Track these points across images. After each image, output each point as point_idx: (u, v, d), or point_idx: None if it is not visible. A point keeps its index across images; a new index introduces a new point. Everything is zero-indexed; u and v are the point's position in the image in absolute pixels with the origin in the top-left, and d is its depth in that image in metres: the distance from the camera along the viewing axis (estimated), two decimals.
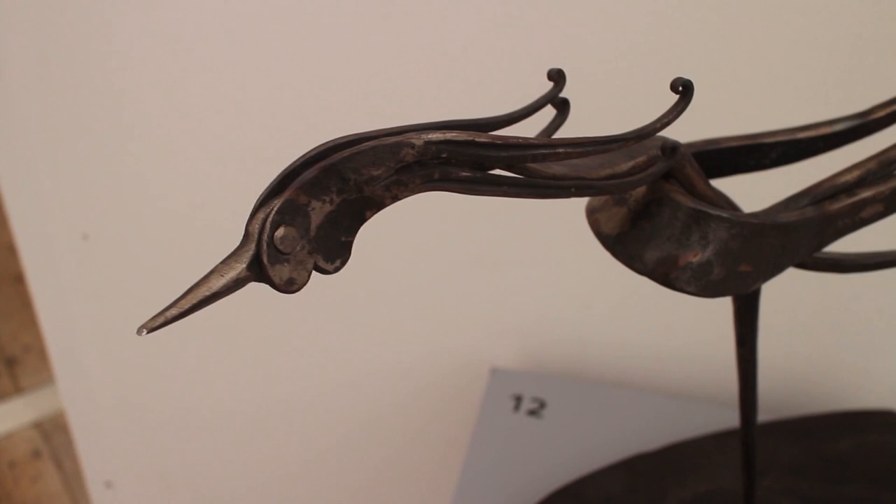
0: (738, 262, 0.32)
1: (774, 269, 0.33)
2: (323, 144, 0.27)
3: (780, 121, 0.37)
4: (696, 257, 0.32)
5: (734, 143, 0.36)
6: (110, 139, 0.66)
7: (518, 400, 0.64)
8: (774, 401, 0.63)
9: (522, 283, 0.66)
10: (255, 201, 0.26)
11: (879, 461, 0.57)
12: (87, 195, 0.69)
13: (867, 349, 0.62)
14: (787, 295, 0.58)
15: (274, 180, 0.26)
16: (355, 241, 0.27)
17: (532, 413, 0.63)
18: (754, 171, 0.37)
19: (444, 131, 0.27)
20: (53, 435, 1.25)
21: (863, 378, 0.62)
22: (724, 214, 0.32)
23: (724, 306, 0.62)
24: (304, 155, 0.27)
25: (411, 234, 0.64)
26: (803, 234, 0.33)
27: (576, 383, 0.65)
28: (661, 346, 0.65)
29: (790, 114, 0.39)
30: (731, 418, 0.60)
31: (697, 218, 0.31)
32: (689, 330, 0.65)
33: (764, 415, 0.60)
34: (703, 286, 0.32)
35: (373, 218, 0.27)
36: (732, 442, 0.58)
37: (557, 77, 0.31)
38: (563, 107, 0.32)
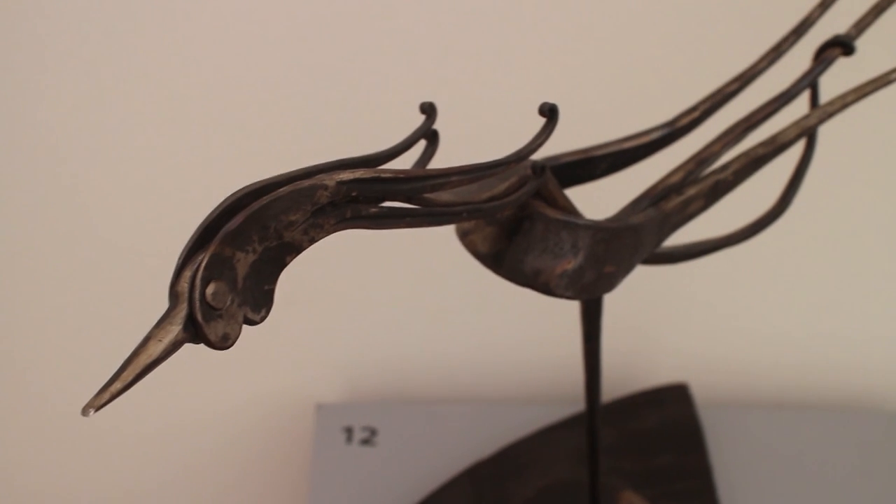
0: (604, 265, 0.35)
1: (629, 268, 0.37)
2: (234, 194, 0.26)
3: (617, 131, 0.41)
4: (570, 265, 0.34)
5: (570, 158, 0.39)
6: None
7: (349, 432, 0.64)
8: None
9: (336, 318, 0.67)
10: (176, 259, 0.25)
11: (681, 431, 0.63)
12: None
13: (655, 330, 0.69)
14: None
15: (193, 236, 0.25)
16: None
17: (365, 442, 0.63)
18: (588, 182, 0.40)
19: (352, 170, 0.28)
20: None
21: (658, 356, 0.69)
22: (589, 223, 0.35)
23: (526, 315, 0.67)
24: (219, 206, 0.26)
25: None
26: (648, 233, 0.37)
27: (403, 407, 0.66)
28: (475, 358, 0.69)
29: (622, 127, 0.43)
30: (548, 415, 0.64)
31: (567, 229, 0.34)
32: (498, 341, 0.68)
33: (577, 405, 0.65)
34: (579, 290, 0.35)
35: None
36: (555, 436, 0.63)
37: (430, 110, 0.33)
38: (433, 138, 0.34)
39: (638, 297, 0.67)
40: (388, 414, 0.65)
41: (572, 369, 0.68)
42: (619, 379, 0.69)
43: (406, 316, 0.67)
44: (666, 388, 0.66)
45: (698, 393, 0.67)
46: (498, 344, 0.68)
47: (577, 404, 0.65)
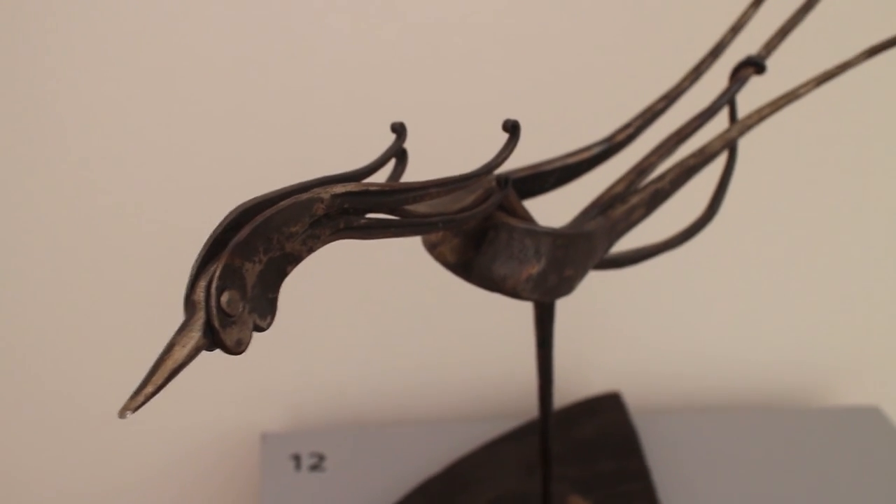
0: (564, 268, 0.38)
1: (585, 271, 0.40)
2: (237, 208, 0.28)
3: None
4: (534, 269, 0.37)
5: (522, 174, 0.42)
6: None
7: (297, 459, 0.64)
8: (527, 402, 0.71)
9: (279, 345, 0.67)
10: (190, 271, 0.27)
11: (618, 437, 0.66)
12: None
13: (585, 344, 0.72)
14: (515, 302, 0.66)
15: (203, 248, 0.27)
16: None
17: (314, 468, 0.64)
18: (539, 195, 0.43)
19: (343, 184, 0.30)
20: None
21: (589, 368, 0.72)
22: (549, 230, 0.37)
23: (464, 335, 0.69)
24: (224, 220, 0.27)
25: (162, 311, 0.63)
26: (599, 239, 0.40)
27: (349, 431, 0.67)
28: (418, 380, 0.70)
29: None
30: (492, 430, 0.67)
31: (530, 236, 0.37)
32: (439, 361, 0.70)
33: (520, 418, 0.68)
34: (543, 293, 0.37)
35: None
36: (502, 448, 0.65)
37: (401, 129, 0.35)
38: (403, 156, 0.36)
39: (567, 313, 0.71)
40: (335, 439, 0.66)
41: (514, 384, 0.71)
42: (555, 391, 0.71)
43: (347, 341, 0.69)
44: (600, 397, 0.69)
45: (629, 401, 0.70)
46: (439, 364, 0.70)
47: (520, 417, 0.67)
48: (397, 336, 0.69)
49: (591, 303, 0.70)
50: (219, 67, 0.59)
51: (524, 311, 0.67)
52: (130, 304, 0.65)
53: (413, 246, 0.63)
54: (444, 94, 0.62)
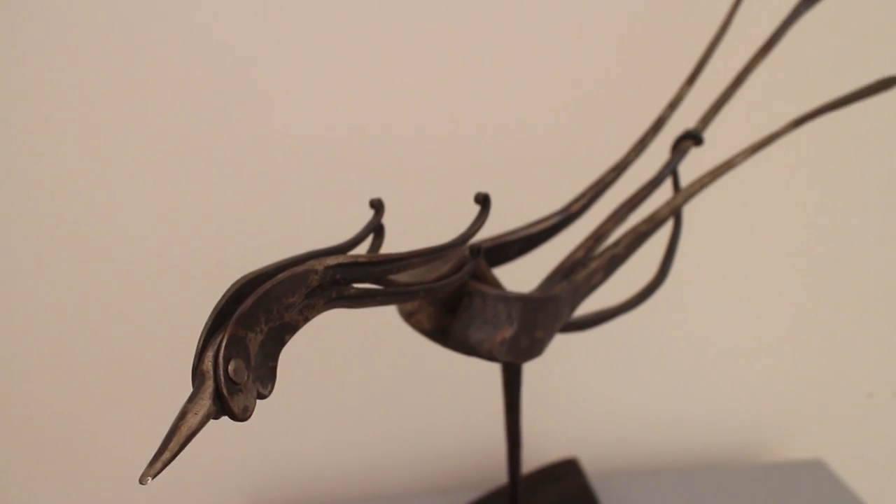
0: (535, 331, 0.40)
1: (552, 333, 0.42)
2: (237, 282, 0.29)
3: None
4: (508, 333, 0.39)
5: (487, 244, 0.44)
6: None
7: None
8: (487, 469, 0.72)
9: (234, 425, 0.67)
10: (196, 343, 0.28)
11: (578, 501, 0.68)
12: None
13: (541, 408, 0.73)
14: (471, 373, 0.68)
15: (208, 320, 0.28)
16: None
17: None
18: (504, 264, 0.45)
19: (335, 256, 0.31)
20: None
21: (543, 434, 0.74)
22: (520, 295, 0.39)
23: (415, 413, 0.70)
24: (226, 294, 0.29)
25: (132, 394, 0.62)
26: (565, 303, 0.42)
27: None
28: (376, 453, 0.71)
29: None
30: (452, 502, 0.67)
31: (502, 301, 0.39)
32: (398, 434, 0.71)
33: (482, 487, 0.68)
34: (516, 355, 0.39)
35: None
36: None
37: (378, 205, 0.37)
38: (380, 231, 0.38)
39: (534, 382, 0.72)
40: None
41: (474, 454, 0.72)
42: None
43: (305, 416, 0.69)
44: (558, 463, 0.71)
45: (586, 465, 0.72)
46: (391, 445, 0.70)
47: (482, 487, 0.68)
48: (355, 410, 0.70)
49: (542, 371, 0.72)
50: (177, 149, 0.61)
51: (481, 381, 0.68)
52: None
53: (368, 320, 0.65)
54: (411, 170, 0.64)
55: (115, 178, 0.59)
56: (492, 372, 0.67)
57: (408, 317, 0.40)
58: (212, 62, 0.57)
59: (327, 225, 0.61)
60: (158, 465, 0.25)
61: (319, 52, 0.58)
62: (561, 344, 0.70)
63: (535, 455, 0.74)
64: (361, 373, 0.69)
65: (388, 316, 0.64)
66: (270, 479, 0.69)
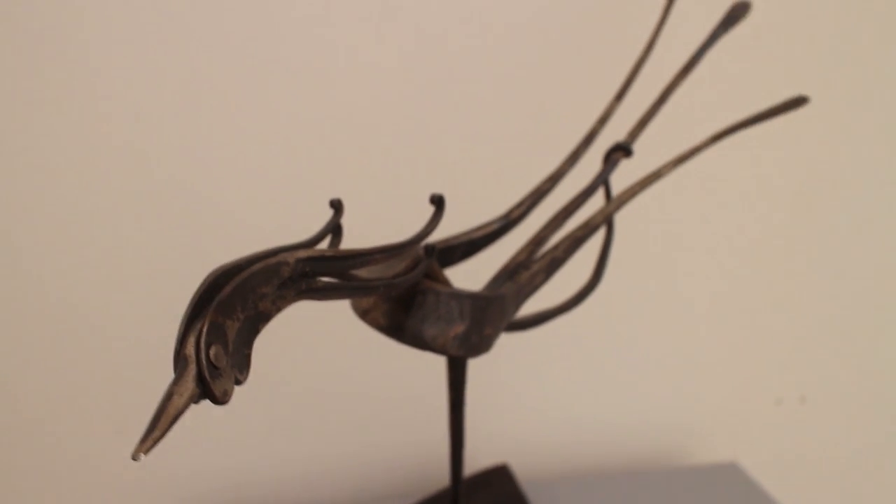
0: (484, 328, 0.42)
1: (499, 331, 0.44)
2: (214, 272, 0.30)
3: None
4: (460, 329, 0.40)
5: (438, 247, 0.46)
6: None
7: None
8: (416, 477, 0.73)
9: (170, 438, 0.67)
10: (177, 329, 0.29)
11: None
12: None
13: (480, 415, 0.75)
14: (406, 384, 0.69)
15: (188, 308, 0.29)
16: None
17: None
18: (449, 267, 0.47)
19: (305, 250, 0.33)
20: None
21: (480, 440, 0.75)
22: (470, 293, 0.41)
23: (350, 426, 0.71)
24: (204, 283, 0.30)
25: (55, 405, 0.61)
26: (510, 302, 0.44)
27: None
28: (308, 471, 0.71)
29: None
30: None
31: (454, 299, 0.40)
32: (331, 446, 0.72)
33: (415, 495, 0.70)
34: (468, 349, 0.41)
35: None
36: None
37: (338, 205, 0.38)
38: (338, 230, 0.39)
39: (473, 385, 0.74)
40: None
41: (404, 468, 0.73)
42: (444, 467, 0.74)
43: (240, 429, 0.69)
44: (490, 470, 0.72)
45: (516, 470, 0.74)
46: (329, 455, 0.71)
47: (411, 496, 0.69)
48: (290, 423, 0.70)
49: (474, 375, 0.74)
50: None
51: (415, 389, 0.70)
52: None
53: (300, 330, 0.66)
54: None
55: (92, 176, 0.59)
56: (426, 379, 0.68)
57: (363, 314, 0.41)
58: (188, 60, 0.57)
59: (281, 226, 0.61)
60: (149, 442, 0.26)
61: (273, 54, 0.59)
62: (493, 350, 0.72)
63: (468, 460, 0.75)
64: (295, 384, 0.70)
65: (320, 325, 0.65)
66: (206, 497, 0.69)
